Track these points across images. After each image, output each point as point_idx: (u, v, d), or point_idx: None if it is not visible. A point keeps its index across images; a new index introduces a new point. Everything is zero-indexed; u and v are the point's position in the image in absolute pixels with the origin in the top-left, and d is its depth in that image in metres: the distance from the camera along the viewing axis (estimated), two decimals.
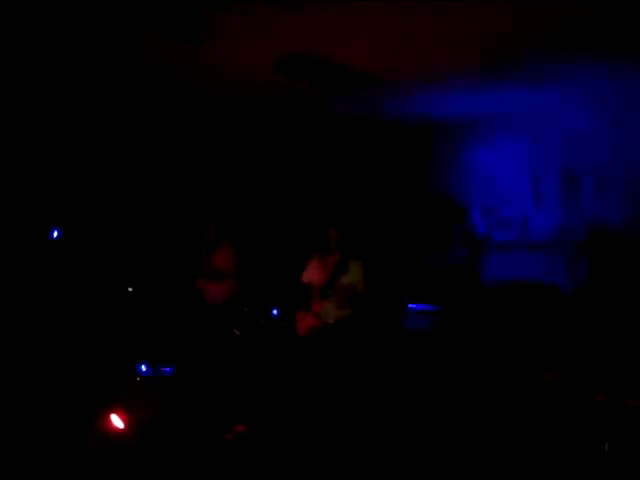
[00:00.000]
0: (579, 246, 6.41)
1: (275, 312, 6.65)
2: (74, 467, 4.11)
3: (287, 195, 7.76)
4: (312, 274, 5.69)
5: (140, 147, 7.18)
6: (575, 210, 6.53)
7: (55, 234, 6.87)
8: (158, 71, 5.62)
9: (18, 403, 4.79)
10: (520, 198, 6.91)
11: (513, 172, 6.92)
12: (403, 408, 5.34)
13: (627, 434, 4.33)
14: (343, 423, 4.98)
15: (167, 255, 6.90)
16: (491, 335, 6.12)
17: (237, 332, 6.14)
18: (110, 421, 4.61)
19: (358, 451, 4.58)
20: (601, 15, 4.09)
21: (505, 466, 4.40)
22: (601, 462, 4.30)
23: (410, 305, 6.84)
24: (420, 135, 7.15)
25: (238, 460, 4.47)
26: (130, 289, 6.80)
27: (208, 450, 4.53)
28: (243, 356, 5.99)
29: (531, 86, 5.54)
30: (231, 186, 7.57)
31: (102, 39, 4.98)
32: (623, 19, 4.14)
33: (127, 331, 6.27)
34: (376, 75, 5.41)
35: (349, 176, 7.56)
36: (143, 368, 5.77)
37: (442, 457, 4.53)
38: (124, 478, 4.13)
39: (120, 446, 4.43)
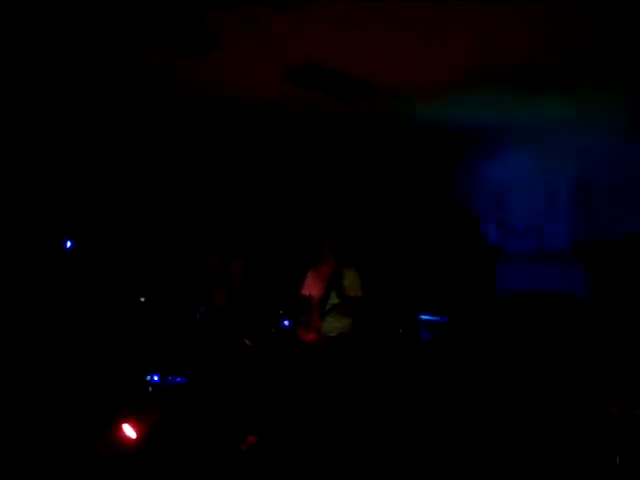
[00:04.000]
0: (591, 257, 6.41)
1: (286, 322, 6.66)
2: (86, 477, 4.14)
3: (295, 204, 7.77)
4: (310, 288, 5.62)
5: (152, 161, 7.23)
6: (589, 221, 6.54)
7: (68, 245, 6.93)
8: (167, 84, 5.68)
9: (30, 413, 4.82)
10: (534, 208, 6.91)
11: (528, 182, 6.92)
12: (414, 420, 5.33)
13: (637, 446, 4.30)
14: (354, 434, 4.97)
15: (179, 265, 6.93)
16: (503, 345, 6.10)
17: (248, 342, 6.15)
18: (122, 431, 4.64)
19: (370, 462, 4.58)
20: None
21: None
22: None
23: (422, 316, 6.82)
24: (432, 144, 7.15)
25: (250, 471, 4.48)
26: (142, 299, 6.84)
27: (220, 461, 4.54)
28: (254, 366, 6.00)
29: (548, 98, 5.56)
30: (239, 196, 7.61)
31: (111, 48, 5.05)
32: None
33: (139, 341, 6.30)
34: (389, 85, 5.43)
35: (356, 183, 7.56)
36: (155, 378, 5.78)
37: (448, 464, 4.53)
38: None
39: (132, 456, 4.46)
